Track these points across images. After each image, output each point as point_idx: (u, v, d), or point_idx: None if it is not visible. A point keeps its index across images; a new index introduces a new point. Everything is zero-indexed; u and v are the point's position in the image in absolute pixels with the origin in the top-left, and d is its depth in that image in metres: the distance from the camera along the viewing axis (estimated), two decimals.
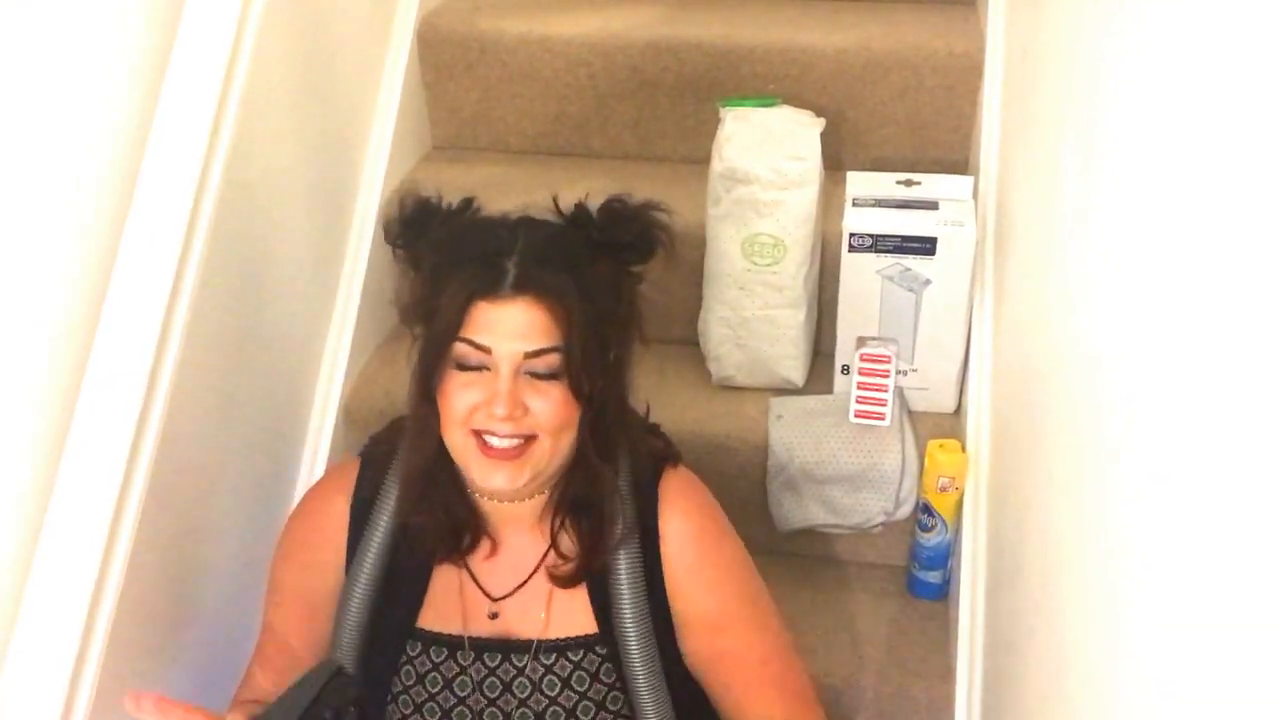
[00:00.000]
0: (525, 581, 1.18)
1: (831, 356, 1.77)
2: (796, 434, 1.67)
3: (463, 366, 1.06)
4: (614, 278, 1.12)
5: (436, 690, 1.18)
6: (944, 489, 1.63)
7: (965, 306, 1.66)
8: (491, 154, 2.15)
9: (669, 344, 1.83)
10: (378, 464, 1.23)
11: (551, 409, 1.06)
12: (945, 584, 1.72)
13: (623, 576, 1.15)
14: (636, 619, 1.14)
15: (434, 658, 1.18)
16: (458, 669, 1.17)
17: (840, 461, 1.65)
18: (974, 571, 1.59)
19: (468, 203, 1.16)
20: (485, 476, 1.09)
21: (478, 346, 1.05)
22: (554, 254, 1.07)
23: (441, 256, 1.10)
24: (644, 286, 1.17)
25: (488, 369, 1.05)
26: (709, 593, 1.18)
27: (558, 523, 1.17)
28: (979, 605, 1.56)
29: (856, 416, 1.65)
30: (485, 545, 1.19)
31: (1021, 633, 1.29)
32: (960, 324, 1.68)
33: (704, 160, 1.75)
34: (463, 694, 1.17)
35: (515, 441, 1.06)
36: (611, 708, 1.15)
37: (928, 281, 1.64)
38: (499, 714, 1.17)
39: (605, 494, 1.14)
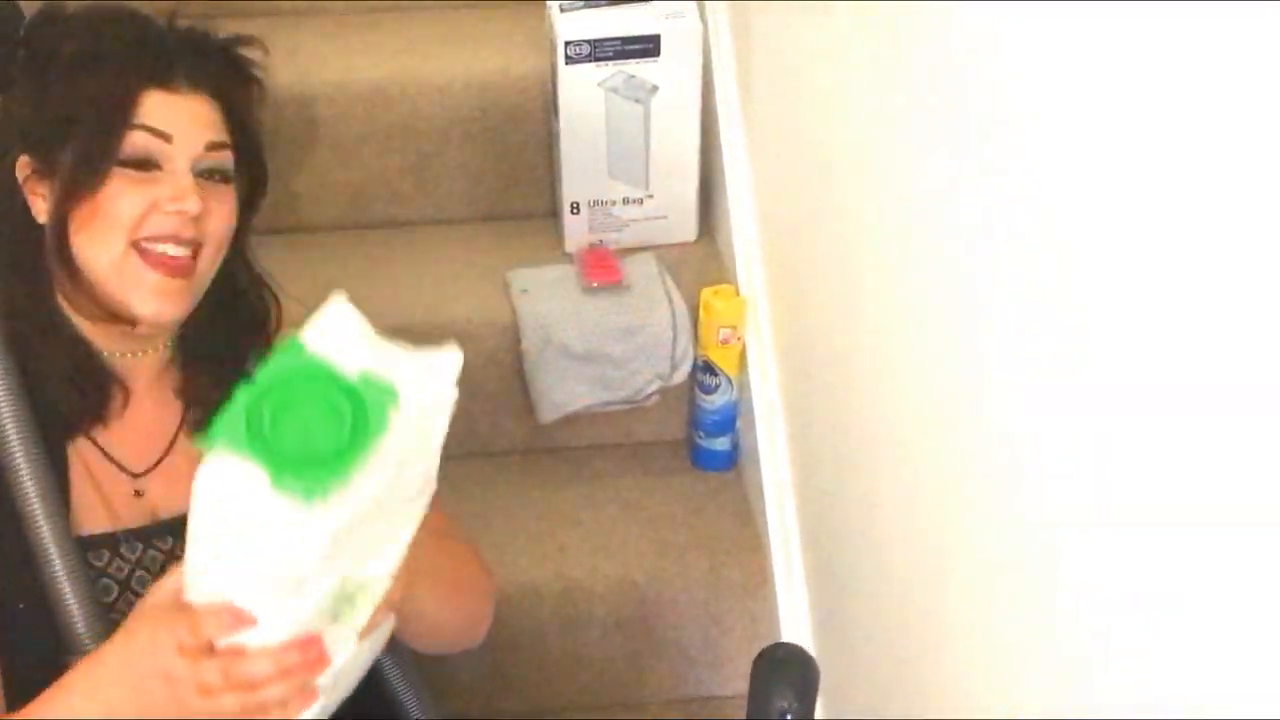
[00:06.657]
0: (170, 448, 1.06)
1: None
2: (548, 306, 1.51)
3: (129, 162, 0.95)
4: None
5: (114, 598, 1.02)
6: (725, 341, 1.47)
7: (698, 115, 1.55)
8: None
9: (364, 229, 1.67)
10: None
11: (226, 212, 1.00)
12: (734, 450, 1.56)
13: None
14: None
15: (97, 562, 1.03)
16: (128, 567, 1.04)
17: (604, 328, 1.49)
18: (771, 430, 1.45)
19: None
20: (147, 299, 0.98)
21: (157, 133, 0.95)
22: (210, 48, 1.02)
23: (78, 48, 0.98)
24: None
25: (158, 167, 0.96)
26: None
27: (187, 370, 1.08)
28: (782, 466, 1.43)
29: (591, 281, 1.52)
30: (116, 408, 1.05)
31: (839, 487, 1.23)
32: (694, 136, 1.56)
33: None
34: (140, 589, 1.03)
35: (186, 251, 0.97)
36: None
37: (655, 88, 1.50)
38: None
39: (258, 305, 1.09)
